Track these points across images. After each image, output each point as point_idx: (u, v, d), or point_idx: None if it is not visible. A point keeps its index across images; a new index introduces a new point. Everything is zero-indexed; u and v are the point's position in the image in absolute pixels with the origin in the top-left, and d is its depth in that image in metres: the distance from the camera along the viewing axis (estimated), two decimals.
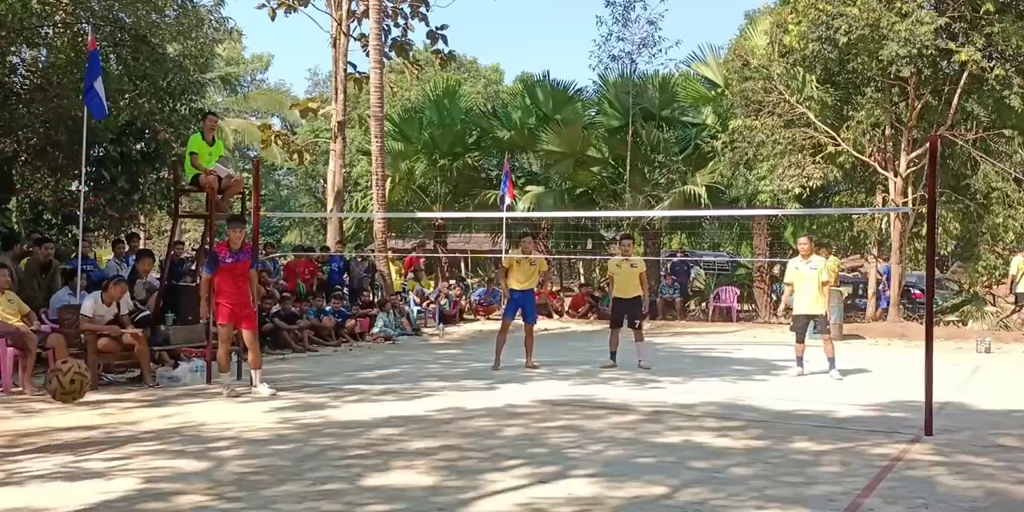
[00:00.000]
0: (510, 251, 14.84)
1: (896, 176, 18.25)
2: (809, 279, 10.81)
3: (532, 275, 11.62)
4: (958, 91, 17.26)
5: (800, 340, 10.94)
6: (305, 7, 22.61)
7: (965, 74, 16.85)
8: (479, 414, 7.87)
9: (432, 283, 20.90)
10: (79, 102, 11.37)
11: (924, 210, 12.30)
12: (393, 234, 24.49)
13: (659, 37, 22.38)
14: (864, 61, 17.46)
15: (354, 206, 27.92)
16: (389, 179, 23.17)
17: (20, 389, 8.95)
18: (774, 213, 17.88)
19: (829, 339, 10.89)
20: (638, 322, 11.62)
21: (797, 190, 18.24)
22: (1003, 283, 19.01)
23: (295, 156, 27.48)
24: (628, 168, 21.52)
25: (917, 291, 21.20)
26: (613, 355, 11.65)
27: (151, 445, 6.44)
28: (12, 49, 13.81)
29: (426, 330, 17.51)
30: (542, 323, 16.81)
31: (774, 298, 21.83)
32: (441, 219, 24.27)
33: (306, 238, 36.44)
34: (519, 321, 11.76)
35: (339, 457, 6.05)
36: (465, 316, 19.97)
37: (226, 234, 9.24)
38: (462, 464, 5.85)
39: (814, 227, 21.64)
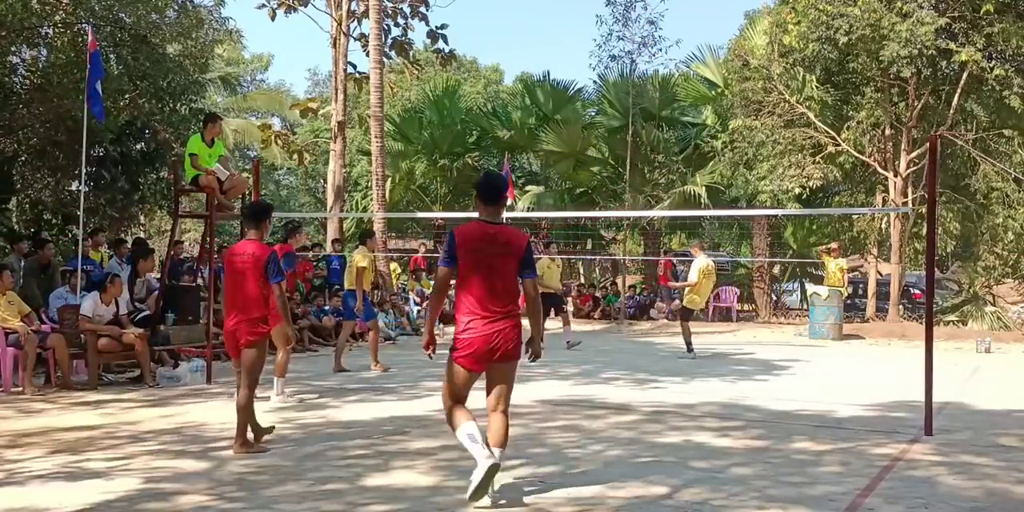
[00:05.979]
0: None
1: (896, 176, 18.25)
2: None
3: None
4: (958, 91, 17.26)
5: None
6: (305, 7, 22.58)
7: (965, 74, 16.85)
8: (479, 414, 7.82)
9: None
10: (79, 102, 11.37)
11: (924, 210, 12.32)
12: (393, 234, 24.48)
13: (659, 37, 22.38)
14: (864, 61, 17.46)
15: (354, 206, 27.91)
16: (389, 179, 23.16)
17: (20, 389, 8.95)
18: (774, 213, 17.88)
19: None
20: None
21: (797, 190, 18.24)
22: (1004, 282, 19.01)
23: (295, 156, 27.45)
24: (628, 168, 21.52)
25: (917, 291, 21.20)
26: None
27: (151, 445, 6.45)
28: (12, 49, 13.80)
29: None
30: (544, 323, 16.78)
31: (774, 298, 21.83)
32: (441, 219, 24.25)
33: (306, 238, 36.39)
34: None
35: (339, 457, 6.05)
36: None
37: (293, 239, 8.94)
38: (462, 464, 5.84)
39: (814, 227, 21.65)
